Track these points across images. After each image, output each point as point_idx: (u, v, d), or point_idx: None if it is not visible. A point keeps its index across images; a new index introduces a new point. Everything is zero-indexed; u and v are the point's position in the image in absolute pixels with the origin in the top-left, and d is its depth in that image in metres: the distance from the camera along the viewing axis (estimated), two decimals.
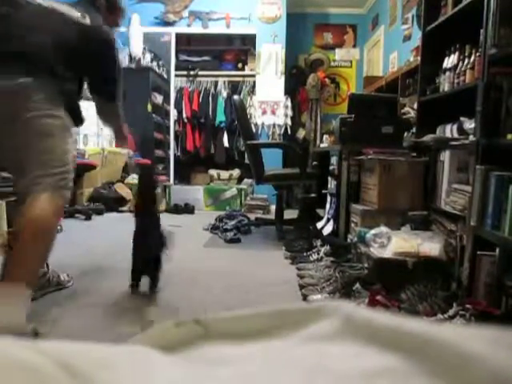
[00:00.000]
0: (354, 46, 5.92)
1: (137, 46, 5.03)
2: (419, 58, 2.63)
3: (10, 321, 1.17)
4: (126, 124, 1.95)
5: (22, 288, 1.25)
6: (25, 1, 1.47)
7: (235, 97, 3.38)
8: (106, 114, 1.84)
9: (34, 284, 1.36)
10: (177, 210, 4.37)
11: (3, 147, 1.43)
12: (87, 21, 1.57)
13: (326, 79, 5.58)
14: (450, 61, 2.23)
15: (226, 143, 5.43)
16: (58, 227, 2.35)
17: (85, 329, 1.46)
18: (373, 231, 2.06)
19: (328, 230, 3.00)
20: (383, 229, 2.06)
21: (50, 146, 1.42)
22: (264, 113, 5.04)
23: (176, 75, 5.33)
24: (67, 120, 1.50)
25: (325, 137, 4.02)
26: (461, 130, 2.09)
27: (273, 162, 3.98)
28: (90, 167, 4.03)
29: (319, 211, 3.49)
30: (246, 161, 4.55)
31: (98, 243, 2.80)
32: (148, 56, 5.26)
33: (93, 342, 0.20)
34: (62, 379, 0.17)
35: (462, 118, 2.08)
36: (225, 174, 5.39)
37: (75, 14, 1.55)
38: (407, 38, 4.11)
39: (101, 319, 1.54)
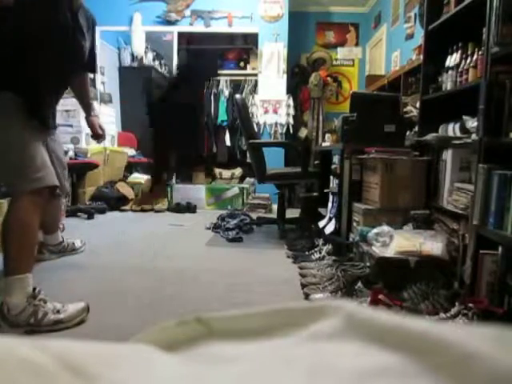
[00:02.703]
0: (357, 44, 5.91)
1: (139, 45, 5.03)
2: (421, 57, 2.62)
3: None
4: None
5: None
6: None
7: (237, 96, 3.37)
8: (83, 86, 2.13)
9: (18, 269, 1.44)
10: (179, 208, 4.37)
11: None
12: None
13: (328, 78, 5.57)
14: (452, 59, 2.22)
15: (227, 142, 5.43)
16: (61, 226, 2.36)
17: (86, 326, 1.47)
18: (375, 230, 2.06)
19: (330, 228, 3.00)
20: (385, 228, 2.05)
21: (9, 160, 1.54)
22: (266, 112, 5.04)
23: None
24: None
25: (327, 136, 4.00)
26: (463, 129, 2.08)
27: (275, 160, 3.98)
28: (93, 166, 4.04)
29: (321, 210, 3.49)
30: (248, 160, 4.55)
31: (100, 242, 2.80)
32: (150, 55, 5.26)
33: (94, 340, 0.21)
34: (65, 378, 0.17)
35: (464, 117, 2.07)
36: (227, 173, 5.39)
37: None
38: (409, 36, 4.10)
39: (103, 318, 1.55)
